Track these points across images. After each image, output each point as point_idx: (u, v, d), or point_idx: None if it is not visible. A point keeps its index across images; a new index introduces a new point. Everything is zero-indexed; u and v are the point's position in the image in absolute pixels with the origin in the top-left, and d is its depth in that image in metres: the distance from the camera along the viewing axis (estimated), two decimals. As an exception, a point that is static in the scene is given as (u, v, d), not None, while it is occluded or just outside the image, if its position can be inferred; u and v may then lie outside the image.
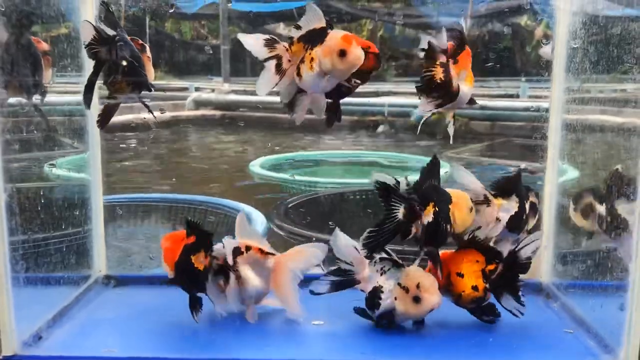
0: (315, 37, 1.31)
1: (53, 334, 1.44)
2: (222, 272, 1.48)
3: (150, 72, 1.52)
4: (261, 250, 1.52)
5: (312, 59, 1.31)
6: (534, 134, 1.79)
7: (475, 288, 1.47)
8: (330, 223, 3.25)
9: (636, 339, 1.26)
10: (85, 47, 1.36)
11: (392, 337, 1.46)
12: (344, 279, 1.49)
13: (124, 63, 1.39)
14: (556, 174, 1.78)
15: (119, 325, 1.51)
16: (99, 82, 1.45)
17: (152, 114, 1.51)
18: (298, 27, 1.33)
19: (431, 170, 1.45)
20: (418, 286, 1.42)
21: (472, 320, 1.54)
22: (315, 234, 3.11)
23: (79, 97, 1.47)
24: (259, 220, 3.39)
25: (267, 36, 1.35)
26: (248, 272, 1.49)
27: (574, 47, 1.63)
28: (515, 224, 1.54)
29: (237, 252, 1.48)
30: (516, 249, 1.49)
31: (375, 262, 1.48)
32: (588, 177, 1.85)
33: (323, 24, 1.31)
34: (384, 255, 1.48)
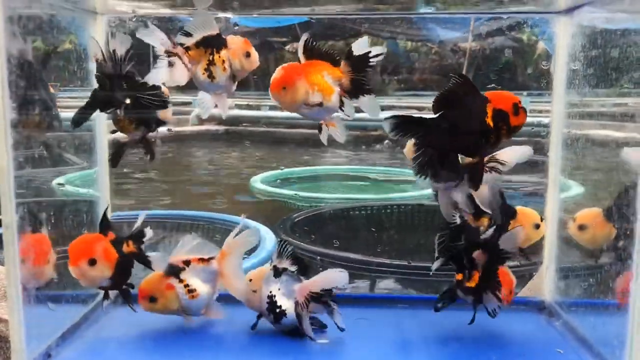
0: (216, 42, 1.44)
1: (62, 352, 1.46)
2: None
3: (166, 112, 1.59)
4: (201, 259, 1.57)
5: (223, 61, 1.44)
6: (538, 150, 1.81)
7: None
8: (335, 241, 3.28)
9: (638, 358, 1.27)
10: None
11: (396, 354, 1.48)
12: None
13: (128, 101, 1.47)
14: (557, 192, 1.79)
15: (127, 344, 1.52)
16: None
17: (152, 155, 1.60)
18: (188, 34, 1.43)
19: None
20: None
21: (475, 339, 1.55)
22: (322, 249, 3.13)
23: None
24: (268, 237, 3.40)
25: (164, 36, 1.44)
26: (197, 282, 1.55)
27: (574, 68, 1.66)
28: None
29: (178, 270, 1.54)
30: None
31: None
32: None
33: (217, 30, 1.43)
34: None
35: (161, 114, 1.58)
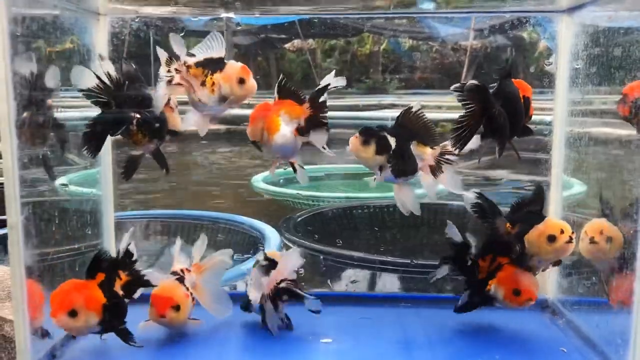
0: (214, 65, 1.44)
1: (66, 352, 1.47)
2: None
3: (177, 121, 1.58)
4: (187, 269, 1.62)
5: (213, 84, 1.43)
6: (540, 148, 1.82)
7: None
8: (337, 240, 3.28)
9: (642, 356, 1.27)
10: (81, 92, 1.42)
11: (398, 354, 1.48)
12: None
13: (138, 115, 1.48)
14: (560, 191, 1.80)
15: (131, 345, 1.52)
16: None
17: (167, 168, 1.61)
18: (192, 55, 1.45)
19: (535, 198, 1.56)
20: None
21: (478, 337, 1.56)
22: (325, 247, 3.14)
23: (89, 113, 1.51)
24: (272, 236, 3.40)
25: (167, 55, 1.45)
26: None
27: (577, 67, 1.66)
28: None
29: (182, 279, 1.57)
30: None
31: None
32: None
33: (222, 53, 1.44)
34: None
35: (171, 122, 1.58)
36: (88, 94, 1.43)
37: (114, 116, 1.47)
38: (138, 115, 1.48)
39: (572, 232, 1.49)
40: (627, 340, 1.26)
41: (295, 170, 1.56)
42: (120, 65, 1.52)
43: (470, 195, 1.55)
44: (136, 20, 1.73)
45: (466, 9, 1.92)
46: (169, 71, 1.44)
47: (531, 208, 1.55)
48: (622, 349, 1.28)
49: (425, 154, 1.47)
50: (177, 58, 1.44)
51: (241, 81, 1.44)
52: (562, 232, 1.48)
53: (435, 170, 1.48)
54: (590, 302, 1.61)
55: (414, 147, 1.47)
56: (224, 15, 1.75)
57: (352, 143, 1.46)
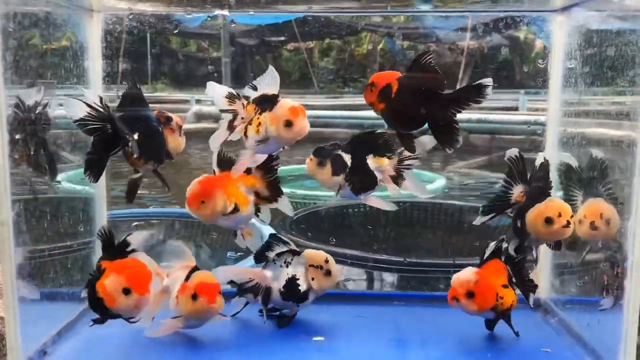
0: (266, 103, 1.38)
1: (58, 349, 1.46)
2: None
3: (178, 142, 1.56)
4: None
5: (259, 123, 1.38)
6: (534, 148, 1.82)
7: None
8: (331, 238, 3.28)
9: (632, 355, 1.27)
10: (75, 122, 1.41)
11: (391, 353, 1.48)
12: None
13: (134, 137, 1.45)
14: (554, 190, 1.80)
15: (123, 342, 1.52)
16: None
17: (167, 186, 1.60)
18: (254, 88, 1.41)
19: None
20: (327, 261, 1.57)
21: (471, 336, 1.56)
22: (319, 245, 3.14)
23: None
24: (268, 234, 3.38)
25: (230, 91, 1.43)
26: None
27: (570, 67, 1.67)
28: None
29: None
30: None
31: (274, 259, 1.59)
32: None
33: (276, 90, 1.39)
34: (282, 249, 1.59)
35: (172, 143, 1.55)
36: (81, 123, 1.41)
37: (110, 141, 1.45)
38: (134, 138, 1.45)
39: (571, 216, 1.45)
40: (618, 338, 1.27)
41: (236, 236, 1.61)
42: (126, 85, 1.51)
43: (511, 152, 1.51)
44: (129, 17, 1.73)
45: (462, 8, 1.92)
46: (230, 104, 1.42)
47: (539, 184, 1.51)
48: (614, 347, 1.29)
49: (383, 166, 1.48)
50: (236, 96, 1.43)
51: (288, 124, 1.35)
52: (559, 215, 1.43)
53: (398, 179, 1.50)
54: (582, 301, 1.61)
55: (371, 161, 1.48)
56: (218, 12, 1.75)
57: (307, 165, 1.47)
